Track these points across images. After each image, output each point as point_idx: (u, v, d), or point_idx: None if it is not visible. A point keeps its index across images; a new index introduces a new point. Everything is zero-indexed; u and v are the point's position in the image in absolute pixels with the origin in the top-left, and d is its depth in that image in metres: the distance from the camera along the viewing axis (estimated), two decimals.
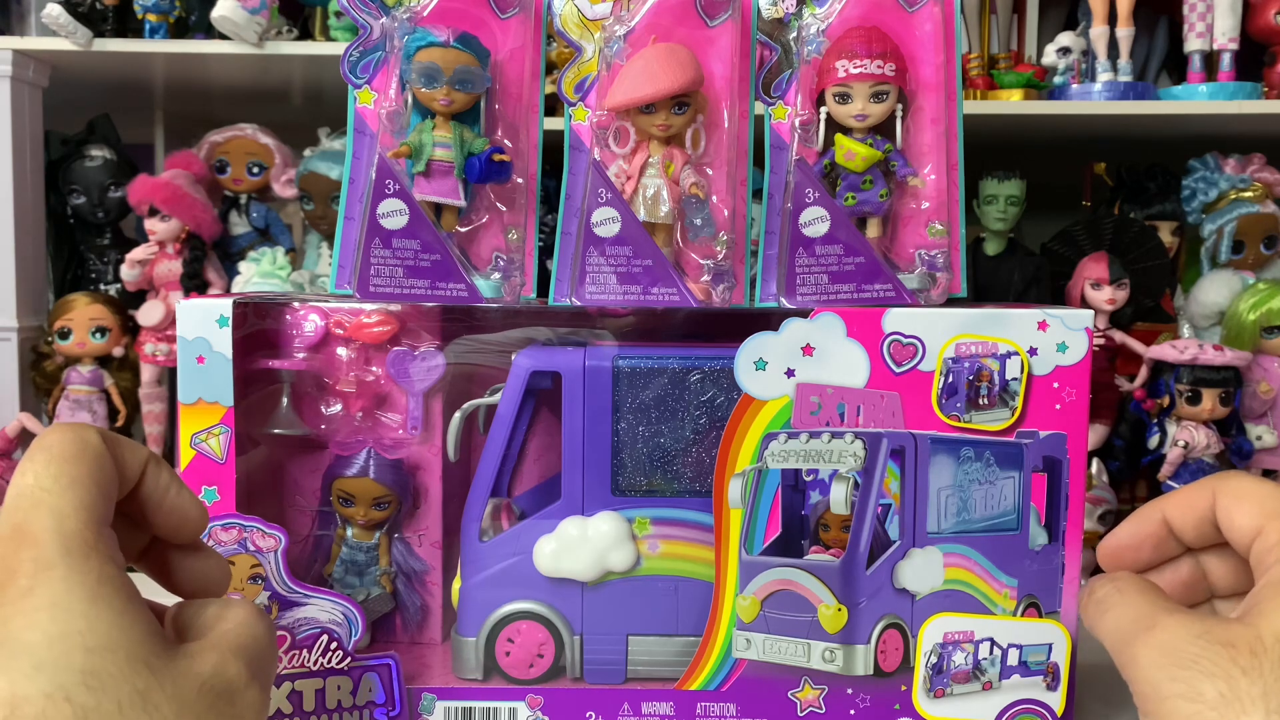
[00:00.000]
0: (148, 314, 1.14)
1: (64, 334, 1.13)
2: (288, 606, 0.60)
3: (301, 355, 0.65)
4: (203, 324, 0.60)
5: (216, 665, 0.38)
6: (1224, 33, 1.14)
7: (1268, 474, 1.17)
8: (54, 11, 1.07)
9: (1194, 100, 1.13)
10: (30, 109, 1.16)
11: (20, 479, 0.38)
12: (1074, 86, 1.17)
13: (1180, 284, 1.21)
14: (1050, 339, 0.62)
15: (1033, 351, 0.62)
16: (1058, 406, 0.62)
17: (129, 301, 1.18)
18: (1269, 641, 0.37)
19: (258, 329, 0.64)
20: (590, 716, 0.64)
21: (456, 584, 0.66)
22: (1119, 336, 1.06)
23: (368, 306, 0.65)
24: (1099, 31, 1.15)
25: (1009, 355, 0.62)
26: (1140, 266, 1.09)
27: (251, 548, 0.59)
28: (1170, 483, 0.96)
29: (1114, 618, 0.43)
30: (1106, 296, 1.04)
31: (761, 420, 0.62)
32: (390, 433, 0.67)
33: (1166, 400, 0.99)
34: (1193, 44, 1.15)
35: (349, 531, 0.67)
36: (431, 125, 0.64)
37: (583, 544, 0.64)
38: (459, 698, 0.64)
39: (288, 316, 0.65)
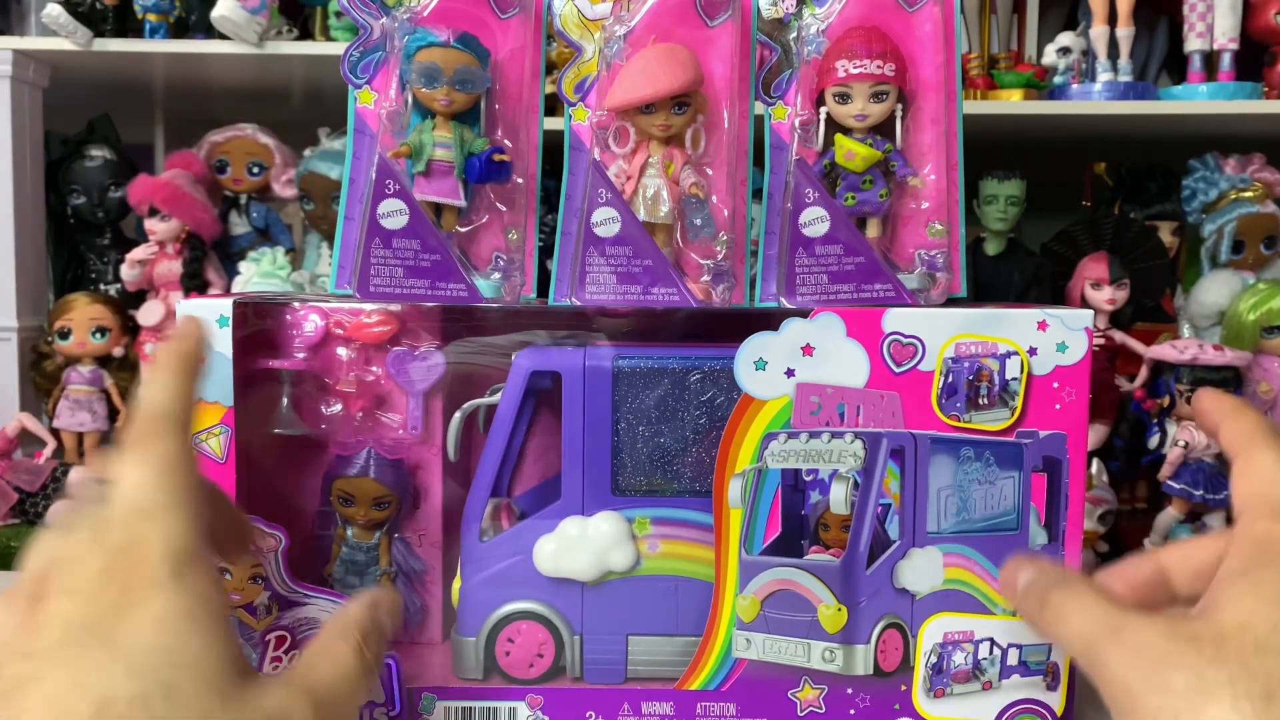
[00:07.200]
0: (148, 314, 1.14)
1: (64, 334, 1.13)
2: (288, 606, 0.60)
3: (301, 355, 0.65)
4: None
5: (282, 703, 0.39)
6: (1224, 33, 1.14)
7: None
8: (54, 11, 1.07)
9: (1194, 100, 1.13)
10: (30, 109, 1.16)
11: (134, 490, 0.40)
12: (1074, 86, 1.16)
13: (1180, 284, 1.20)
14: (1050, 339, 0.62)
15: (1032, 351, 0.62)
16: (1057, 406, 0.62)
17: (129, 301, 1.18)
18: (1231, 631, 0.38)
19: (258, 329, 0.64)
20: (590, 716, 0.64)
21: (456, 584, 0.66)
22: (1119, 336, 1.06)
23: (368, 306, 0.65)
24: (1099, 31, 1.15)
25: (1009, 355, 0.62)
26: (1140, 266, 1.09)
27: (251, 548, 0.59)
28: (1170, 483, 0.96)
29: (1076, 624, 0.43)
30: (1106, 296, 1.04)
31: (761, 420, 0.62)
32: (390, 433, 0.67)
33: (1167, 400, 0.99)
34: (1193, 44, 1.15)
35: (349, 531, 0.67)
36: (431, 125, 0.64)
37: (583, 544, 0.64)
38: (459, 698, 0.64)
39: (288, 316, 0.65)
